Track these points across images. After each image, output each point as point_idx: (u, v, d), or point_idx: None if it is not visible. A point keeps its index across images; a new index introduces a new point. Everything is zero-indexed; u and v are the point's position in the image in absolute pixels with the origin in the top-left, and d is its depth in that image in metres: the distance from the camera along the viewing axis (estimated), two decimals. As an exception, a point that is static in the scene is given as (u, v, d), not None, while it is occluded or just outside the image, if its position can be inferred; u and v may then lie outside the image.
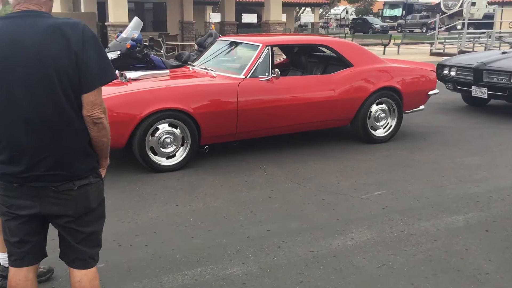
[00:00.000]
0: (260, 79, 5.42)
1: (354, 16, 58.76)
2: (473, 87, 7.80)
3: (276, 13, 15.91)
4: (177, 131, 5.04)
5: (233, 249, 3.40)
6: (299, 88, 5.65)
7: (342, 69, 5.99)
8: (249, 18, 19.42)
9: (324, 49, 6.68)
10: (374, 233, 3.67)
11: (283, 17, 38.11)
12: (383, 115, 6.17)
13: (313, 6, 41.77)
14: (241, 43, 5.90)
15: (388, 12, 58.33)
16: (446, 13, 41.52)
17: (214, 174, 5.01)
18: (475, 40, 18.90)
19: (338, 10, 65.87)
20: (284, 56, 7.37)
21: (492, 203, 4.26)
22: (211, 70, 5.64)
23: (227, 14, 19.06)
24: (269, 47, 5.57)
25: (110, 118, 4.68)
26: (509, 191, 4.53)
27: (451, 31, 21.88)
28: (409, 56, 17.10)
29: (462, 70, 8.00)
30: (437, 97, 9.26)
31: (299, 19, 42.28)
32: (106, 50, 8.47)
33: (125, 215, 3.98)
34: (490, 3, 36.15)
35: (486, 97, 7.68)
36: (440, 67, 8.44)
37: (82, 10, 17.37)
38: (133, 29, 8.52)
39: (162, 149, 5.01)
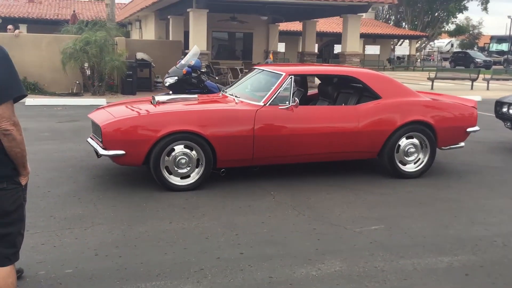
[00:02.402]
0: (280, 107, 5.53)
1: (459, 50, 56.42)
2: (531, 126, 7.28)
3: (353, 45, 15.87)
4: (193, 153, 5.29)
5: (197, 268, 3.52)
6: (319, 118, 5.68)
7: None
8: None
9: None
10: (345, 266, 3.60)
11: (377, 49, 37.92)
12: (413, 149, 5.97)
13: (411, 38, 40.86)
14: (268, 71, 6.06)
15: (494, 47, 55.31)
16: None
17: (223, 196, 5.17)
18: None
19: (442, 43, 63.75)
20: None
21: (491, 247, 3.98)
22: (236, 97, 5.86)
23: (308, 44, 19.31)
24: (292, 76, 5.68)
25: (129, 137, 5.07)
26: (518, 237, 4.20)
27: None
28: (499, 93, 16.14)
29: (521, 108, 7.50)
30: (497, 136, 8.74)
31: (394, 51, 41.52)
32: (166, 75, 9.07)
33: (118, 227, 4.25)
34: None
35: (545, 137, 7.12)
36: (499, 104, 7.98)
37: (171, 39, 18.54)
38: (191, 56, 9.04)
39: (177, 169, 5.27)
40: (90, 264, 3.54)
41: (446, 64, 47.05)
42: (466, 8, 44.02)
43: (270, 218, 4.60)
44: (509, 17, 47.87)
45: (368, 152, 5.93)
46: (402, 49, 42.02)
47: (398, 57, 43.30)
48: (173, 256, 3.71)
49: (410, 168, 6.02)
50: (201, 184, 5.35)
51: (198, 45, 13.95)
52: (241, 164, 5.62)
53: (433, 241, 4.11)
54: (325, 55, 36.95)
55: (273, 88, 5.60)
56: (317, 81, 8.03)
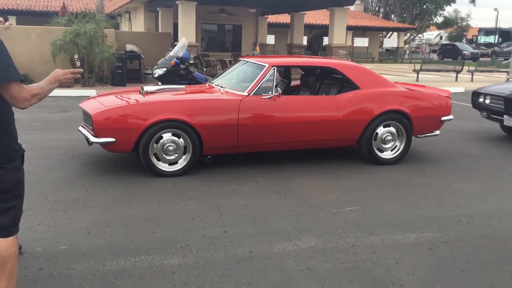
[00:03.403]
0: (263, 97, 5.82)
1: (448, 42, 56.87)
2: (505, 116, 7.62)
3: (339, 37, 16.16)
4: (180, 140, 5.56)
5: (183, 244, 3.80)
6: (300, 108, 5.97)
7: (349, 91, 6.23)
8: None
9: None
10: (320, 242, 3.91)
11: (366, 42, 38.19)
12: (390, 137, 6.29)
13: (399, 31, 41.22)
14: (252, 63, 6.33)
15: (483, 39, 55.80)
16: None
17: (209, 181, 5.45)
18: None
19: (431, 36, 64.22)
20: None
21: (457, 226, 4.31)
22: (222, 87, 6.14)
23: (296, 37, 19.57)
24: (275, 67, 5.96)
25: (119, 125, 5.32)
26: (481, 217, 4.53)
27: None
28: (482, 84, 16.51)
29: (495, 98, 7.84)
30: (474, 125, 9.10)
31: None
32: (155, 66, 9.31)
33: (109, 209, 4.53)
34: None
35: (517, 126, 7.47)
36: (476, 95, 8.32)
37: (160, 31, 18.70)
38: (179, 48, 9.27)
39: (165, 156, 5.54)
40: (83, 242, 3.81)
41: (435, 56, 47.57)
42: (454, 1, 44.44)
43: (253, 201, 4.89)
44: (495, 9, 48.37)
45: (347, 139, 6.24)
46: (391, 41, 42.40)
47: (387, 49, 43.72)
48: (161, 234, 3.99)
49: (387, 155, 6.34)
50: (188, 170, 5.63)
51: (186, 37, 14.17)
52: (227, 151, 5.90)
53: (403, 220, 4.43)
54: (315, 47, 37.20)
55: (257, 78, 5.88)
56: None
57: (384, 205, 4.84)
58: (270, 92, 5.84)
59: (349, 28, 36.40)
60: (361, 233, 4.11)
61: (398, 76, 21.51)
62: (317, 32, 36.40)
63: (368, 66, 30.47)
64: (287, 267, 3.47)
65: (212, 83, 6.62)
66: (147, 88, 6.05)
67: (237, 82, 6.31)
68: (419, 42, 61.67)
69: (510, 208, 4.82)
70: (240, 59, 6.86)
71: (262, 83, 5.87)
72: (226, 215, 4.47)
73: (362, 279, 3.33)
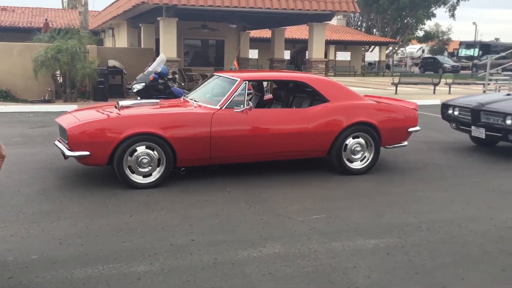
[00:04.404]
0: (235, 110, 6.00)
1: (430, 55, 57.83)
2: (472, 127, 7.89)
3: (318, 51, 16.48)
4: (154, 153, 5.71)
5: (151, 253, 3.94)
6: (272, 120, 6.17)
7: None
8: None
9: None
10: (283, 248, 4.08)
11: (348, 56, 38.74)
12: (359, 148, 6.50)
13: (381, 45, 41.91)
14: (225, 77, 6.54)
15: (463, 52, 56.83)
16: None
17: (182, 192, 5.60)
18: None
19: (414, 49, 65.28)
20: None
21: (416, 232, 4.50)
22: (195, 101, 6.32)
23: (277, 51, 19.88)
24: (246, 82, 6.16)
25: (93, 139, 5.46)
26: (441, 223, 4.73)
27: (504, 73, 21.25)
28: (457, 96, 16.89)
29: (463, 110, 8.12)
30: (443, 136, 9.38)
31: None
32: (134, 81, 9.49)
33: (82, 220, 4.65)
34: None
35: (484, 137, 7.74)
36: (445, 106, 8.59)
37: (142, 46, 18.90)
38: (158, 64, 9.46)
39: (139, 168, 5.68)
40: (54, 252, 3.93)
41: (416, 69, 48.36)
42: (434, 15, 45.35)
43: (223, 210, 5.05)
44: (473, 23, 49.36)
45: (318, 151, 6.44)
46: (373, 55, 43.05)
47: (370, 63, 44.41)
48: (131, 243, 4.13)
49: (356, 165, 6.55)
50: (162, 182, 5.77)
51: (168, 53, 14.40)
52: (200, 163, 6.07)
53: (365, 227, 4.61)
54: (298, 62, 37.68)
55: (229, 92, 6.07)
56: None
57: (350, 213, 5.02)
58: (242, 106, 6.03)
59: (331, 42, 37.14)
60: (324, 239, 4.29)
61: (378, 89, 21.92)
62: (300, 46, 36.88)
63: (350, 79, 31.01)
64: (249, 272, 3.63)
65: (187, 97, 6.80)
66: (123, 102, 6.21)
67: (211, 96, 6.50)
68: (402, 56, 62.65)
69: (470, 215, 5.03)
70: (214, 74, 7.06)
71: (234, 97, 6.06)
72: (196, 224, 4.62)
73: (320, 282, 3.50)
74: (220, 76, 6.75)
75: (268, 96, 7.56)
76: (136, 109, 6.03)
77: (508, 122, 7.24)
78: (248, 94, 7.04)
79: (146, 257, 3.86)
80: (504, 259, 3.95)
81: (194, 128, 5.83)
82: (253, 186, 5.91)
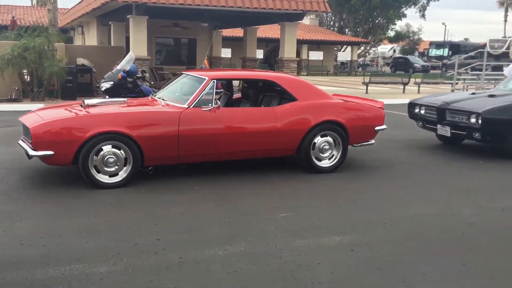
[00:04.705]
0: (203, 109, 5.98)
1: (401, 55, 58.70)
2: (438, 126, 8.04)
3: (290, 51, 16.56)
4: (121, 152, 5.64)
5: (115, 253, 3.90)
6: (240, 119, 6.17)
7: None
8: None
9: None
10: (249, 246, 4.08)
11: (320, 55, 39.03)
12: (327, 146, 6.56)
13: (353, 44, 42.37)
14: (193, 76, 6.51)
15: (433, 52, 57.88)
16: (492, 54, 41.05)
17: (149, 192, 5.55)
18: (496, 81, 18.75)
19: (385, 49, 66.17)
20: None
21: (380, 228, 4.57)
22: (163, 100, 6.28)
23: (249, 50, 19.90)
24: (214, 80, 6.14)
25: (57, 138, 5.36)
26: (405, 219, 4.81)
27: (472, 72, 21.75)
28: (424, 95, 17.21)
29: (429, 109, 8.27)
30: (410, 134, 9.54)
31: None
32: (102, 80, 9.36)
33: (45, 221, 4.57)
34: (529, 45, 35.47)
35: (449, 135, 7.90)
36: (411, 105, 8.74)
37: (112, 44, 18.68)
38: (126, 62, 9.36)
39: (105, 168, 5.60)
40: (15, 252, 3.85)
41: (388, 69, 49.05)
42: (404, 15, 45.98)
43: (191, 209, 5.03)
44: (443, 23, 50.36)
45: (286, 149, 6.47)
46: (345, 55, 43.47)
47: (342, 63, 44.87)
48: (94, 244, 4.07)
49: (325, 163, 6.60)
50: (129, 182, 5.71)
51: (138, 51, 14.27)
52: (168, 162, 6.03)
53: (331, 224, 4.66)
54: (272, 61, 37.77)
55: (197, 91, 6.05)
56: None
57: (317, 211, 5.06)
58: (210, 104, 6.02)
59: (304, 41, 37.37)
60: (290, 237, 4.31)
61: (350, 88, 22.13)
62: (273, 45, 36.97)
63: (323, 79, 31.23)
64: (214, 271, 3.62)
65: (155, 96, 6.75)
66: (88, 101, 6.12)
67: (179, 95, 6.46)
68: (374, 56, 63.47)
69: (432, 211, 5.13)
70: (183, 72, 7.02)
71: (202, 95, 6.03)
72: (162, 224, 4.58)
73: (284, 279, 3.52)
74: (188, 74, 6.72)
75: (238, 95, 7.55)
76: (102, 108, 5.95)
77: (473, 120, 7.40)
78: (217, 93, 7.03)
79: (110, 257, 3.82)
80: (465, 254, 4.04)
81: (161, 127, 5.78)
82: (221, 185, 5.90)
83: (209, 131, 5.98)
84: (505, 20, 74.15)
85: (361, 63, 48.02)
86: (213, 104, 6.02)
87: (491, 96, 8.11)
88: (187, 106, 5.96)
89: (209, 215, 4.87)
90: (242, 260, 3.81)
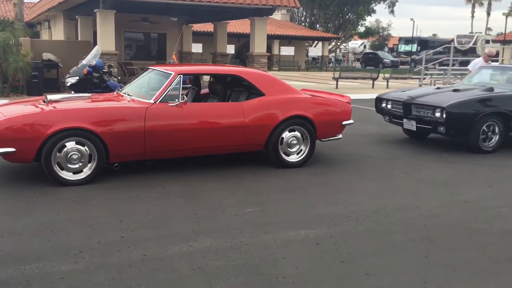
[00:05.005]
0: (169, 105, 5.92)
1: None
2: (404, 120, 8.16)
3: (260, 46, 16.55)
4: (85, 148, 5.53)
5: (76, 251, 3.82)
6: (207, 114, 6.13)
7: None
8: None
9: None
10: (215, 242, 4.06)
11: (292, 51, 39.11)
12: (295, 141, 6.57)
13: (323, 40, 42.63)
14: (159, 71, 6.43)
15: (403, 48, 58.74)
16: (459, 50, 41.91)
17: (115, 189, 5.47)
18: (462, 76, 19.14)
19: (356, 45, 66.84)
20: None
21: (345, 222, 4.61)
22: (129, 95, 6.19)
23: (219, 45, 19.81)
24: (181, 75, 6.08)
25: (19, 135, 5.22)
26: (370, 213, 4.87)
27: (439, 67, 22.19)
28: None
29: (395, 103, 8.38)
30: (378, 129, 9.66)
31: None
32: (67, 75, 9.17)
33: (6, 219, 4.45)
34: (494, 41, 36.39)
35: (415, 129, 8.02)
36: (378, 100, 8.84)
37: (79, 39, 18.33)
38: (92, 57, 9.19)
39: (69, 165, 5.49)
40: (-28, 253, 3.74)
41: (358, 64, 49.59)
42: (374, 11, 46.54)
43: (157, 206, 4.97)
44: (411, 19, 51.14)
45: (254, 144, 6.46)
46: (316, 50, 43.72)
47: (314, 58, 45.12)
48: (56, 242, 3.99)
49: (293, 158, 6.62)
50: (94, 179, 5.61)
51: (106, 46, 14.03)
52: (134, 158, 5.94)
53: (297, 218, 4.67)
54: (243, 56, 37.69)
55: (163, 86, 5.98)
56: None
57: (283, 205, 5.07)
58: (176, 100, 5.95)
59: (275, 37, 37.42)
60: (256, 232, 4.31)
61: (321, 83, 22.28)
62: (245, 41, 36.88)
63: (294, 74, 31.33)
64: (178, 267, 3.59)
65: (121, 91, 6.65)
66: (51, 96, 5.98)
67: (145, 90, 6.38)
68: (345, 51, 64.06)
69: (397, 204, 5.20)
70: (149, 67, 6.93)
71: (169, 90, 5.97)
72: (126, 221, 4.52)
73: (249, 274, 3.51)
74: (154, 69, 6.63)
75: (206, 90, 7.50)
76: (65, 103, 5.82)
77: (437, 114, 7.53)
78: (185, 88, 6.97)
79: (72, 255, 3.74)
80: (427, 246, 4.10)
81: (127, 122, 5.70)
82: (188, 180, 5.86)
83: (176, 126, 5.92)
84: (472, 16, 75.75)
85: (336, 58, 48.39)
86: (180, 99, 5.96)
87: (455, 90, 8.27)
88: (153, 102, 5.89)
89: (176, 211, 4.83)
90: (207, 256, 3.79)
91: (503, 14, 64.43)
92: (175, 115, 5.93)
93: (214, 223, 4.53)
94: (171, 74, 6.09)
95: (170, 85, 5.99)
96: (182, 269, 3.56)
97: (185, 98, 5.97)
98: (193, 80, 7.39)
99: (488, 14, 77.18)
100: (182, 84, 6.20)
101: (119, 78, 11.97)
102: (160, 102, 5.90)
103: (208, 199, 5.23)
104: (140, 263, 3.65)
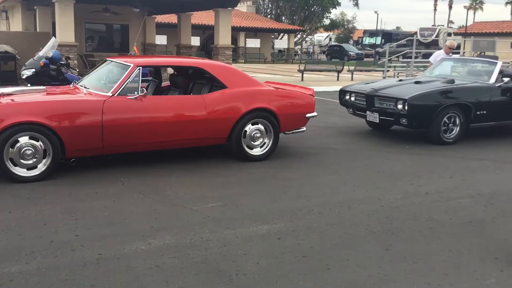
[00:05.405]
0: (128, 97, 5.74)
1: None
2: (367, 112, 8.19)
3: (224, 38, 16.38)
4: (39, 144, 5.31)
5: (28, 251, 3.65)
6: (168, 107, 5.98)
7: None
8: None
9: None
10: (174, 239, 3.95)
11: (258, 43, 38.98)
12: (258, 134, 6.49)
13: (289, 32, 42.65)
14: (117, 63, 6.23)
15: (367, 40, 59.44)
16: (422, 42, 42.64)
17: (71, 185, 5.27)
18: (424, 68, 19.44)
19: (321, 37, 67.23)
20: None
21: (308, 215, 4.57)
22: (85, 88, 5.97)
23: (184, 37, 19.52)
24: (140, 67, 5.91)
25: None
26: (332, 206, 4.84)
27: (402, 60, 22.48)
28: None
29: (359, 96, 8.40)
30: (342, 121, 9.69)
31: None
32: (23, 67, 8.82)
33: (-48, 219, 4.23)
34: (455, 34, 37.21)
35: (378, 121, 8.06)
36: (342, 92, 8.84)
37: (38, 30, 17.73)
38: (49, 48, 8.86)
39: (23, 161, 5.26)
40: None
41: (324, 57, 49.91)
42: (339, 4, 46.75)
43: (115, 202, 4.81)
44: (375, 12, 51.76)
45: (217, 138, 6.35)
46: (282, 42, 43.73)
47: (280, 51, 45.14)
48: (6, 242, 3.80)
49: (256, 151, 6.54)
50: (49, 175, 5.40)
51: (65, 37, 13.61)
52: (92, 153, 5.75)
53: (260, 213, 4.60)
54: (209, 48, 37.32)
55: (121, 79, 5.80)
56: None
57: (246, 199, 4.99)
58: (135, 92, 5.78)
59: (241, 29, 37.21)
60: (217, 228, 4.21)
61: (286, 76, 22.30)
62: (210, 33, 36.49)
63: (260, 66, 31.24)
64: (135, 266, 3.47)
65: (77, 84, 6.42)
66: (4, 89, 5.73)
67: (103, 83, 6.17)
68: (311, 43, 64.38)
69: (360, 197, 5.19)
70: (107, 59, 6.71)
71: (127, 83, 5.79)
72: (82, 218, 4.35)
73: (208, 272, 3.42)
74: (112, 61, 6.43)
75: (167, 83, 7.32)
76: (18, 97, 5.58)
77: (399, 106, 7.58)
78: (145, 81, 6.79)
79: (23, 256, 3.57)
80: (388, 238, 4.10)
81: (83, 116, 5.50)
82: (149, 175, 5.71)
83: (135, 120, 5.75)
84: (435, 9, 77.27)
85: (307, 51, 48.38)
86: (139, 92, 5.79)
87: (417, 82, 8.34)
88: (111, 94, 5.70)
89: (134, 207, 4.68)
90: (165, 253, 3.68)
91: (465, 7, 65.82)
92: (134, 108, 5.76)
93: (174, 219, 4.42)
94: (130, 66, 5.91)
95: (128, 78, 5.81)
96: (138, 269, 3.44)
97: (145, 91, 5.80)
98: (154, 72, 7.20)
99: (450, 7, 78.97)
100: (143, 77, 6.04)
101: (77, 70, 11.62)
102: (118, 95, 5.72)
103: (169, 194, 5.10)
104: (94, 263, 3.51)
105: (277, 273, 3.44)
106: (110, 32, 22.81)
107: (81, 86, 6.16)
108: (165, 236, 4.00)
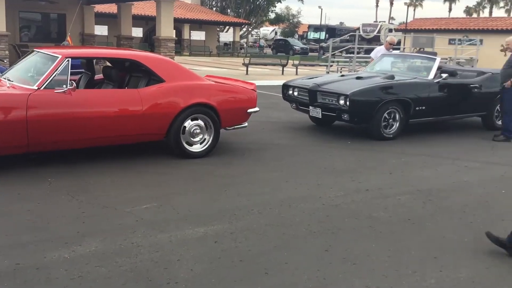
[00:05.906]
0: (56, 91, 5.35)
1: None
2: (310, 107, 8.11)
3: (167, 29, 15.94)
4: (-46, 142, 4.85)
5: None
6: (100, 102, 5.62)
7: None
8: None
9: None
10: (102, 245, 3.66)
11: (203, 35, 38.47)
12: (198, 130, 6.25)
13: (234, 25, 42.35)
14: (45, 54, 5.81)
15: (312, 35, 60.03)
16: (365, 38, 43.48)
17: (-9, 186, 4.85)
18: (366, 64, 19.76)
19: (267, 31, 67.34)
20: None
21: (247, 216, 4.39)
22: (9, 80, 5.52)
23: (124, 28, 18.88)
24: (69, 59, 5.52)
25: None
26: (273, 205, 4.69)
27: (345, 55, 22.80)
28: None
29: (302, 91, 8.31)
30: (288, 116, 9.59)
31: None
32: None
33: None
34: (396, 30, 38.19)
35: (320, 116, 8.01)
36: (285, 87, 8.73)
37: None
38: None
39: None
40: None
41: (269, 51, 50.00)
42: (284, -2, 46.99)
43: (39, 205, 4.45)
44: (319, 7, 52.43)
45: (154, 134, 6.05)
46: (227, 35, 43.40)
47: (225, 44, 44.77)
48: None
49: (196, 148, 6.30)
50: (-33, 175, 4.96)
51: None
52: (15, 151, 5.32)
53: (197, 214, 4.38)
54: (152, 40, 36.47)
55: (48, 71, 5.39)
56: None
57: (183, 199, 4.76)
58: (64, 86, 5.39)
59: (185, 21, 36.55)
60: (150, 231, 3.96)
61: (231, 69, 22.07)
62: (154, 24, 35.60)
63: (205, 59, 30.83)
64: (55, 277, 3.17)
65: (1, 76, 5.94)
66: None
67: (28, 75, 5.73)
68: (257, 37, 64.38)
69: (301, 195, 5.07)
70: (34, 49, 6.25)
71: (55, 75, 5.39)
72: (1, 223, 3.98)
73: (137, 281, 3.17)
74: (39, 52, 5.98)
75: (101, 75, 6.92)
76: None
77: (341, 102, 7.53)
78: (78, 73, 6.40)
79: None
80: (328, 239, 3.98)
81: (5, 111, 5.06)
82: (79, 175, 5.35)
83: (63, 115, 5.36)
84: (377, 6, 79.18)
85: (259, 45, 48.10)
86: (68, 85, 5.41)
87: (358, 78, 8.35)
88: (36, 88, 5.29)
89: (61, 210, 4.34)
90: (91, 262, 3.39)
91: (405, 4, 67.79)
92: (63, 102, 5.37)
93: (104, 222, 4.12)
94: (58, 57, 5.50)
95: (56, 70, 5.41)
96: (59, 279, 3.14)
97: (74, 84, 5.42)
98: (86, 64, 6.79)
99: (391, 4, 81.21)
100: (75, 69, 5.65)
101: (5, 61, 10.91)
102: (44, 88, 5.31)
103: (100, 194, 4.79)
104: (11, 274, 3.18)
105: (211, 279, 3.24)
106: (46, 22, 21.79)
107: (5, 78, 5.70)
108: (91, 242, 3.70)
